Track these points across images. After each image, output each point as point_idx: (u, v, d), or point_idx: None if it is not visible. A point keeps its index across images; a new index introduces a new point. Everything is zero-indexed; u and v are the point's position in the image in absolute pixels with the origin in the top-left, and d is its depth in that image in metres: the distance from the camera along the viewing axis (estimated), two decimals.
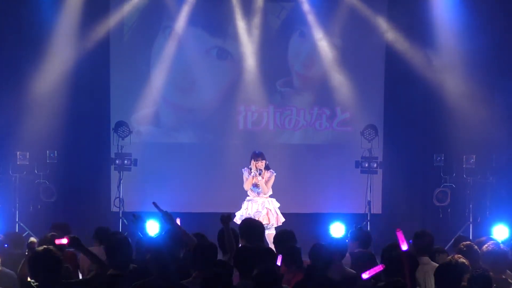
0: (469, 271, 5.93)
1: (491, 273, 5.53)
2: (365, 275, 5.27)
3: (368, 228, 12.40)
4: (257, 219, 10.31)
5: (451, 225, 12.51)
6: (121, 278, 5.37)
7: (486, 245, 6.45)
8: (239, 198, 10.69)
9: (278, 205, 10.58)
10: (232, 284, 5.29)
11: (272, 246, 7.75)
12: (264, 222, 10.41)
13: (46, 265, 5.08)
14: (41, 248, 5.14)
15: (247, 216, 10.33)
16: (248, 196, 10.55)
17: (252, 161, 10.41)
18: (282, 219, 10.54)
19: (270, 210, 10.48)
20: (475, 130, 12.46)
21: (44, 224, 11.69)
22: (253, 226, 7.02)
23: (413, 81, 12.86)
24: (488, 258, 6.30)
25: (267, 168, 10.50)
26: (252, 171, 10.38)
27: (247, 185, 10.46)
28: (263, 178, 10.43)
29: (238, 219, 10.19)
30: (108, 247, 5.76)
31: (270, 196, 10.59)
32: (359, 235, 7.18)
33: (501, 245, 6.51)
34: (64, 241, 5.73)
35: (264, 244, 6.98)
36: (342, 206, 12.55)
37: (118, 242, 5.75)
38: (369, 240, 7.27)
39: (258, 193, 10.45)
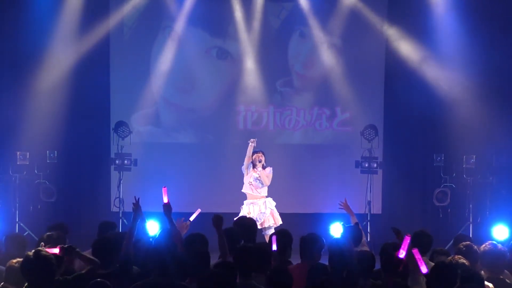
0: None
1: (487, 273, 5.53)
2: (401, 255, 5.35)
3: (368, 229, 12.42)
4: (261, 221, 10.30)
5: (451, 225, 12.51)
6: (108, 276, 5.41)
7: (483, 245, 6.47)
8: (239, 198, 10.68)
9: (275, 203, 10.57)
10: (235, 285, 5.30)
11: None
12: (271, 223, 10.35)
13: (38, 268, 5.09)
14: (31, 252, 5.15)
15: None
16: (246, 198, 10.49)
17: (254, 155, 10.45)
18: (280, 221, 10.50)
19: (272, 210, 10.46)
20: (475, 130, 12.47)
21: (44, 224, 11.68)
22: (248, 225, 7.13)
23: (413, 81, 12.85)
24: (486, 258, 6.31)
25: (264, 167, 10.53)
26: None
27: (247, 160, 10.44)
28: (264, 169, 10.44)
29: None
30: (93, 245, 5.82)
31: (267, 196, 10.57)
32: (353, 232, 7.20)
33: (499, 246, 6.51)
34: (56, 250, 5.72)
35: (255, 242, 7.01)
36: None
37: (103, 241, 5.80)
38: (361, 236, 7.29)
39: (258, 185, 10.39)
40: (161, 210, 6.78)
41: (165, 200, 6.75)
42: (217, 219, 6.61)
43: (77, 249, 5.75)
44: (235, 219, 7.73)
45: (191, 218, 7.44)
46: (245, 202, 10.49)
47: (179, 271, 5.67)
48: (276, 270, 5.29)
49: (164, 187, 6.88)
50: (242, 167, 10.56)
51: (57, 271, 5.33)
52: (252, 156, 10.49)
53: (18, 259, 5.50)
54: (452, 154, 12.73)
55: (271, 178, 10.50)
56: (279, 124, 13.28)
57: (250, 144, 10.55)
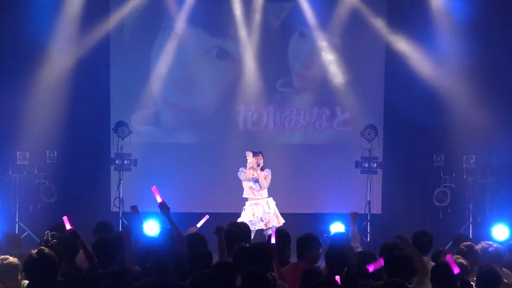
0: (468, 271, 5.95)
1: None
2: (370, 268, 5.44)
3: (368, 229, 12.42)
4: (266, 221, 10.29)
5: (451, 225, 12.52)
6: (107, 276, 5.41)
7: (480, 245, 6.52)
8: (239, 199, 10.68)
9: (274, 203, 10.58)
10: (235, 285, 5.30)
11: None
12: (275, 223, 10.32)
13: (41, 267, 5.09)
14: (34, 250, 5.16)
15: (256, 220, 10.28)
16: (248, 200, 10.48)
17: (253, 158, 10.42)
18: (282, 220, 10.50)
19: (275, 210, 10.45)
20: (475, 130, 12.47)
21: (44, 224, 11.70)
22: (242, 228, 7.16)
23: (413, 81, 12.84)
24: (482, 257, 6.34)
25: (262, 169, 10.51)
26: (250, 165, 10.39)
27: (248, 175, 10.39)
28: (262, 171, 10.43)
29: None
30: (93, 245, 5.82)
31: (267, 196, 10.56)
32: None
33: (495, 245, 6.56)
34: (68, 226, 5.88)
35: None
36: (342, 206, 12.50)
37: (103, 241, 5.81)
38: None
39: (257, 188, 10.37)
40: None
41: (159, 200, 6.70)
42: (220, 230, 6.62)
43: (82, 238, 5.78)
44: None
45: (198, 225, 7.44)
46: (247, 203, 10.49)
47: (179, 271, 5.67)
48: (251, 272, 5.24)
49: (154, 187, 6.80)
50: (239, 173, 10.56)
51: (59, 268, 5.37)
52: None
53: (2, 256, 5.51)
54: (452, 154, 12.73)
55: (270, 180, 10.50)
56: (279, 124, 13.27)
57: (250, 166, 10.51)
